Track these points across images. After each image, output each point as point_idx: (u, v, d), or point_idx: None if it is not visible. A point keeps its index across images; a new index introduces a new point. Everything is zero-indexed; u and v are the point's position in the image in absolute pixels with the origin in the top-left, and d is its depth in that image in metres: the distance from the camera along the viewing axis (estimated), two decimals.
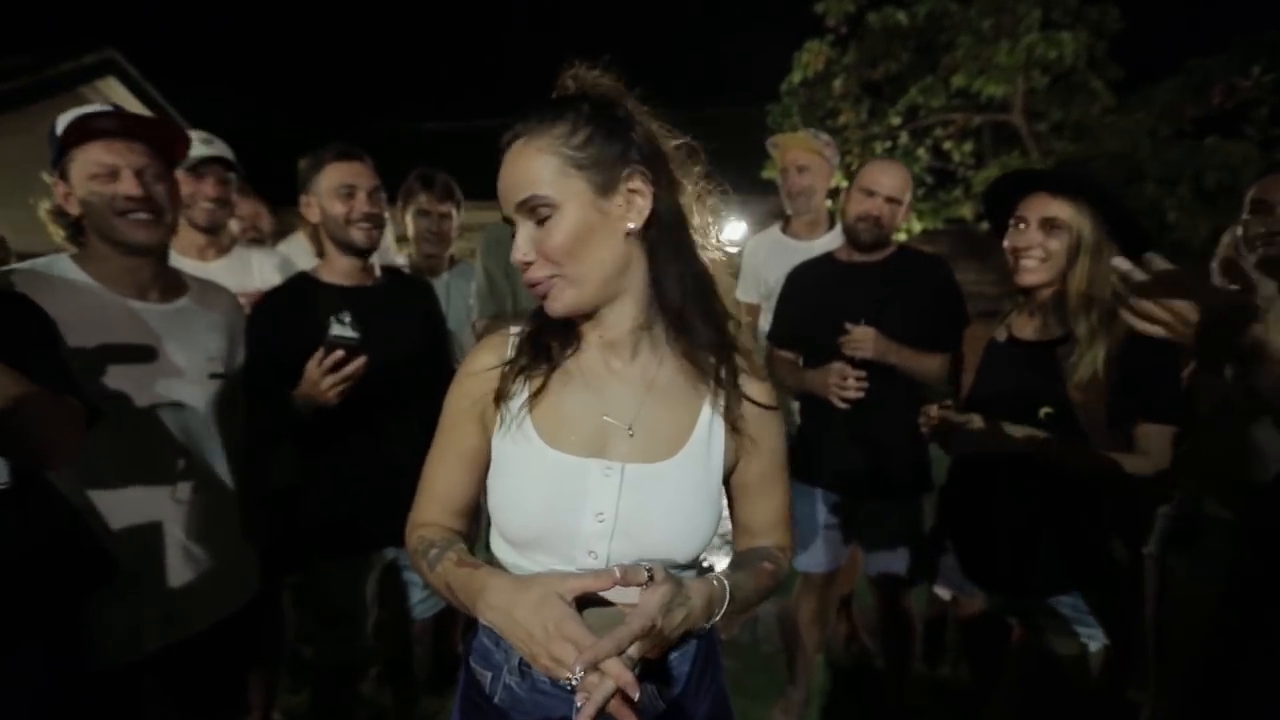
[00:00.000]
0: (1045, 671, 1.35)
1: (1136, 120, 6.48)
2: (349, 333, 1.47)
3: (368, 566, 1.74)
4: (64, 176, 1.33)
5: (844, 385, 1.86)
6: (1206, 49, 6.30)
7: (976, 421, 1.33)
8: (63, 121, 1.31)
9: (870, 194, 1.93)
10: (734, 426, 0.88)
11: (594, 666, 0.70)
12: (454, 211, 2.48)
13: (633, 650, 0.73)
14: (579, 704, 0.70)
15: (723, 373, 0.87)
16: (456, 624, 2.56)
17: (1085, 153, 6.67)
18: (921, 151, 7.68)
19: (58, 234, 1.39)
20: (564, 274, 0.80)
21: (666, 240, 0.84)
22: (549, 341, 0.88)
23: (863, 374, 1.85)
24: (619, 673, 0.70)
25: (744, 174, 7.98)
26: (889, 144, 7.63)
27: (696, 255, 0.87)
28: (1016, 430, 1.31)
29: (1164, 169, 6.32)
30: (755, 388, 0.91)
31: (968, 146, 7.76)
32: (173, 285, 1.47)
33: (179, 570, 1.37)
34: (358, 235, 1.65)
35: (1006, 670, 1.43)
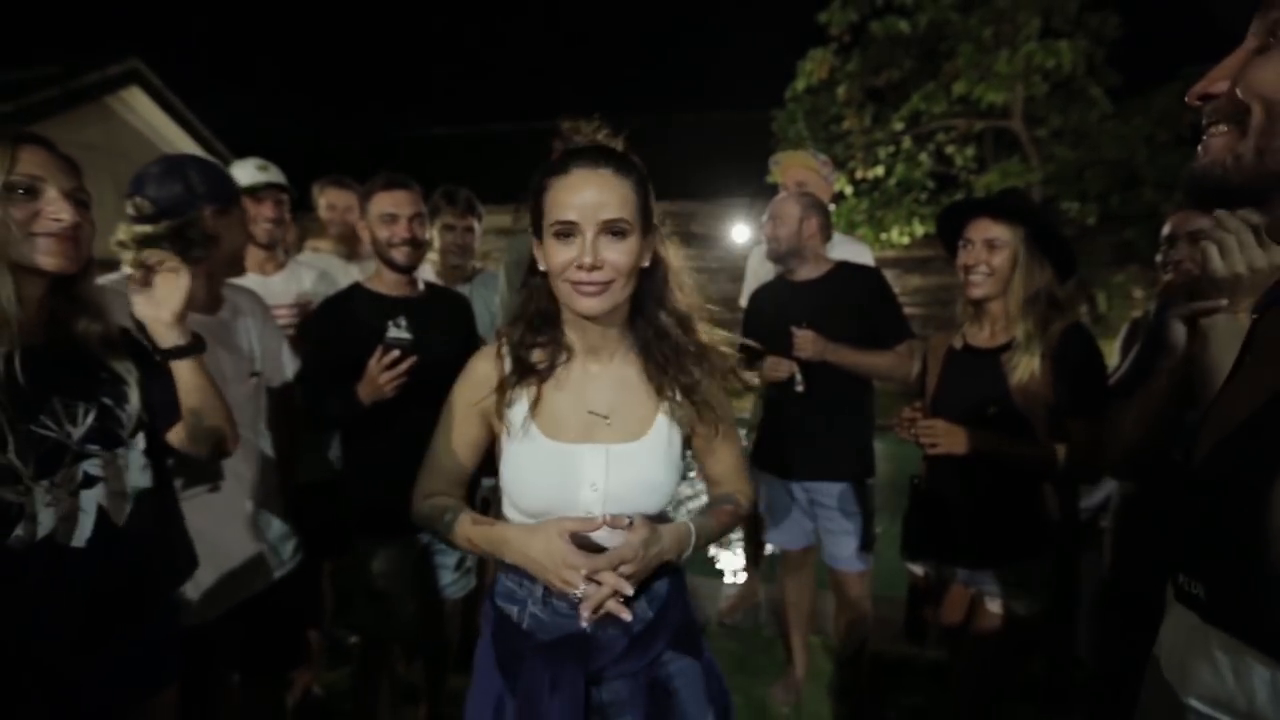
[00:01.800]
0: (998, 631, 1.54)
1: (1135, 126, 6.61)
2: (404, 335, 1.74)
3: (407, 548, 1.92)
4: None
5: (776, 369, 2.21)
6: (1204, 55, 6.39)
7: (939, 426, 1.55)
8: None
9: (769, 220, 2.34)
10: (687, 401, 1.12)
11: (592, 580, 0.98)
12: (475, 225, 2.67)
13: (625, 569, 1.00)
14: (584, 614, 0.99)
15: (673, 372, 1.11)
16: (478, 608, 2.73)
17: (1084, 158, 6.79)
18: (924, 157, 7.80)
19: (126, 257, 1.50)
20: (614, 284, 1.02)
21: (656, 276, 1.10)
22: (537, 354, 1.12)
23: (793, 363, 2.20)
24: (613, 579, 0.98)
25: (749, 178, 8.10)
26: (892, 149, 7.77)
27: (672, 287, 1.12)
28: (972, 435, 1.52)
29: (1162, 174, 6.45)
30: (703, 377, 1.12)
31: (969, 152, 7.88)
32: (214, 297, 1.63)
33: (225, 550, 1.52)
34: (398, 255, 1.87)
35: (971, 635, 1.61)
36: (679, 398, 1.11)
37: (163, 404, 1.23)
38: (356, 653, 2.13)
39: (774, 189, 2.96)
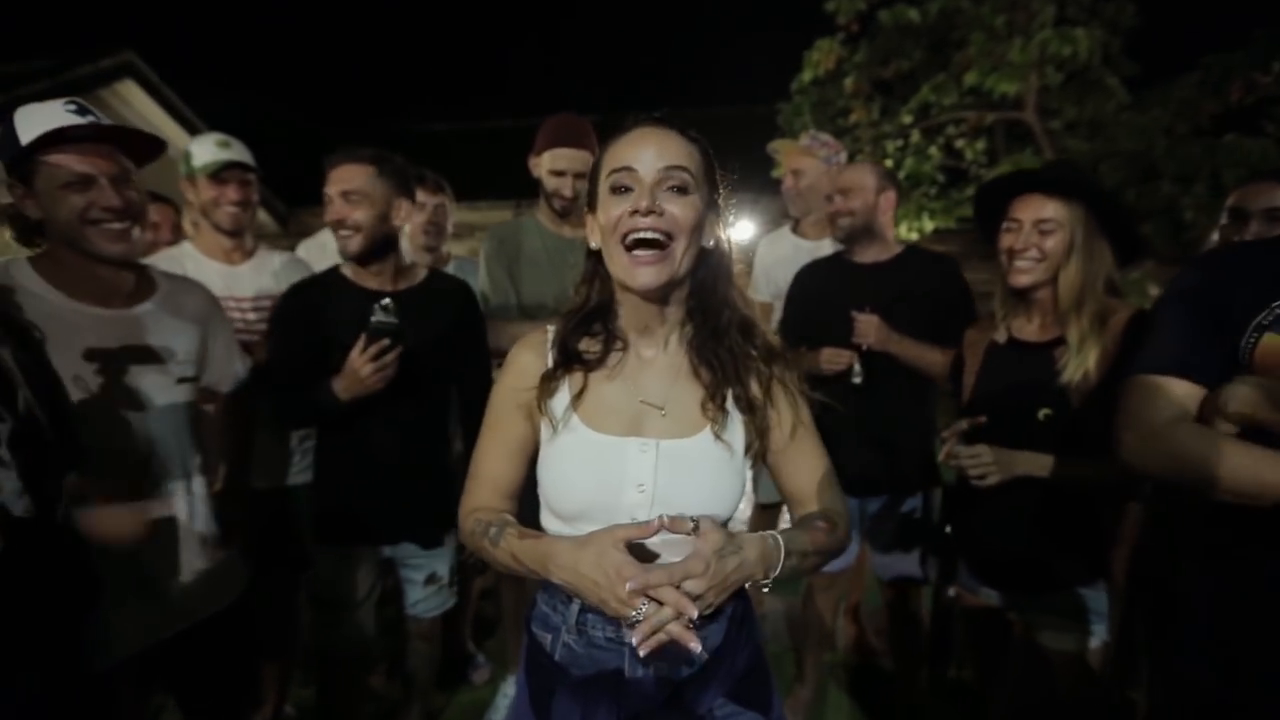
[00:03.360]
0: (1045, 667, 1.35)
1: (1152, 117, 6.40)
2: (391, 319, 1.52)
3: (360, 560, 1.77)
4: (25, 180, 1.25)
5: (834, 361, 1.97)
6: (1224, 44, 6.22)
7: (985, 454, 1.33)
8: (29, 127, 1.21)
9: (834, 196, 2.11)
10: (748, 407, 1.00)
11: (654, 600, 0.80)
12: (446, 203, 2.53)
13: (691, 585, 0.81)
14: (636, 639, 0.79)
15: (738, 362, 1.00)
16: (464, 621, 2.58)
17: (1100, 150, 6.59)
18: (934, 150, 7.62)
19: (6, 236, 1.32)
20: (673, 247, 0.91)
21: (717, 263, 1.00)
22: (583, 341, 1.00)
23: (853, 352, 1.97)
24: (675, 597, 0.80)
25: (754, 173, 7.93)
26: (900, 142, 7.59)
27: (735, 283, 1.03)
28: (1020, 458, 1.32)
29: (1180, 167, 6.23)
30: (771, 372, 1.03)
31: (980, 145, 7.68)
32: (139, 288, 1.39)
33: (155, 573, 1.35)
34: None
35: (1008, 667, 1.43)
36: (733, 404, 1.00)
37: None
38: (330, 669, 1.98)
39: (778, 184, 2.83)
